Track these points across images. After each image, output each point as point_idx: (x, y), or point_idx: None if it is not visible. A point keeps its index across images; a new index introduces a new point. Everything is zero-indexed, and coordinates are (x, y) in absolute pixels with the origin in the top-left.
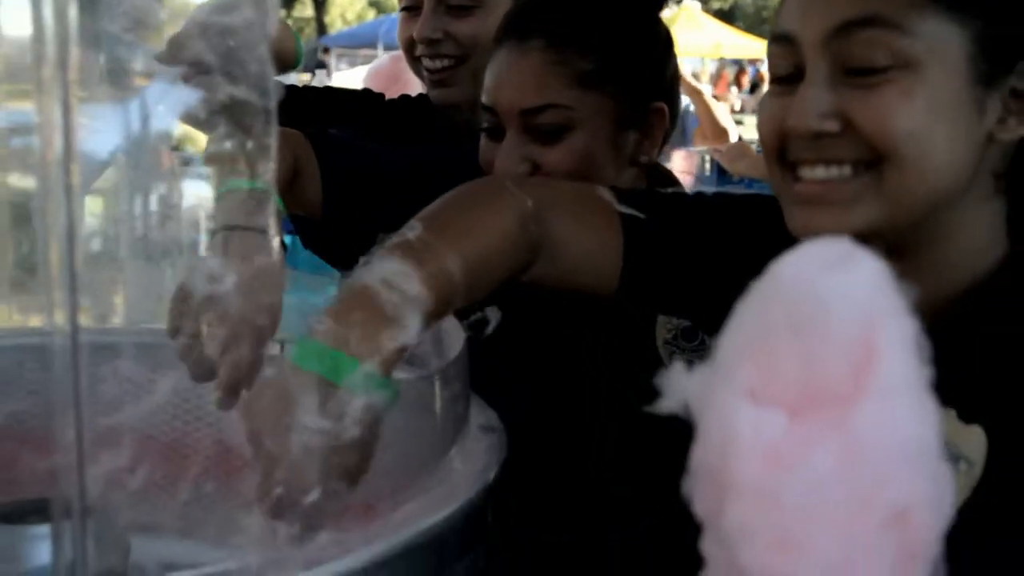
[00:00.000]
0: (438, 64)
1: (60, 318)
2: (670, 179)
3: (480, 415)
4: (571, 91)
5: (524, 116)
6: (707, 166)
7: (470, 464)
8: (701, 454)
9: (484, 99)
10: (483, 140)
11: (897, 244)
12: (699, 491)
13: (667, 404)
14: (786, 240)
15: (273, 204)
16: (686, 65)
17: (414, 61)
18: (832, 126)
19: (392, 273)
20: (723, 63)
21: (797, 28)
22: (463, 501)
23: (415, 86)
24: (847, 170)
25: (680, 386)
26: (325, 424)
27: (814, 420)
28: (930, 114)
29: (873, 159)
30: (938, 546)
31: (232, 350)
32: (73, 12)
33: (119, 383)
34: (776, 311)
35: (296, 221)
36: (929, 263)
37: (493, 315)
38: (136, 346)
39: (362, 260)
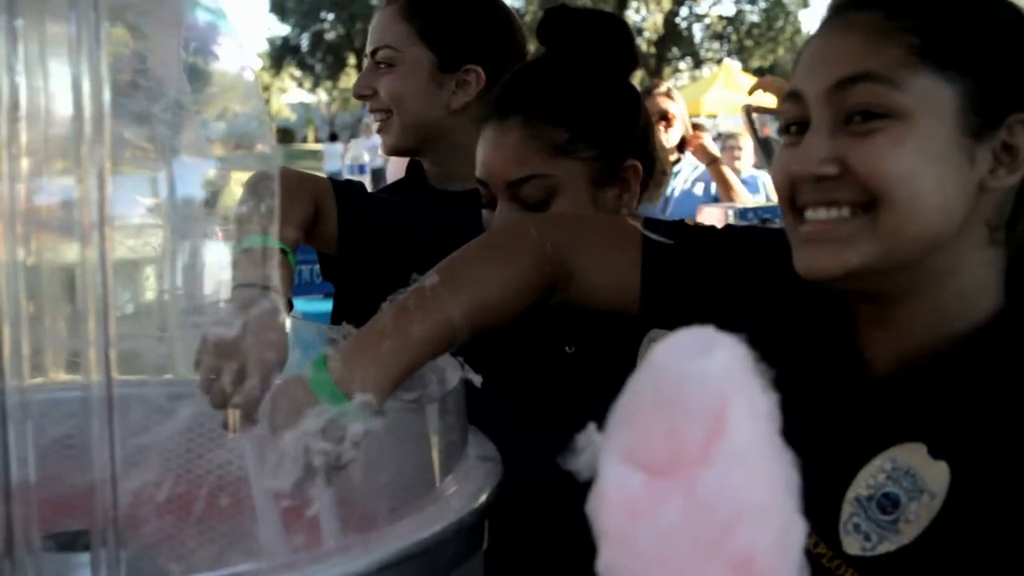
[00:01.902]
0: (376, 117)
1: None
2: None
3: (479, 446)
4: (549, 161)
5: (511, 188)
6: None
7: (466, 487)
8: (589, 504)
9: (477, 173)
10: (484, 211)
11: (892, 288)
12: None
13: (581, 461)
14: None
15: (276, 259)
16: (727, 123)
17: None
18: (831, 170)
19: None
20: (763, 119)
21: (804, 85)
22: (456, 518)
23: None
24: (846, 211)
25: (593, 444)
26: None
27: (667, 479)
28: (920, 160)
29: (869, 201)
30: None
31: (244, 382)
32: (107, 94)
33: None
34: (647, 387)
35: (318, 256)
36: (921, 308)
37: (476, 378)
38: (166, 396)
39: (388, 300)
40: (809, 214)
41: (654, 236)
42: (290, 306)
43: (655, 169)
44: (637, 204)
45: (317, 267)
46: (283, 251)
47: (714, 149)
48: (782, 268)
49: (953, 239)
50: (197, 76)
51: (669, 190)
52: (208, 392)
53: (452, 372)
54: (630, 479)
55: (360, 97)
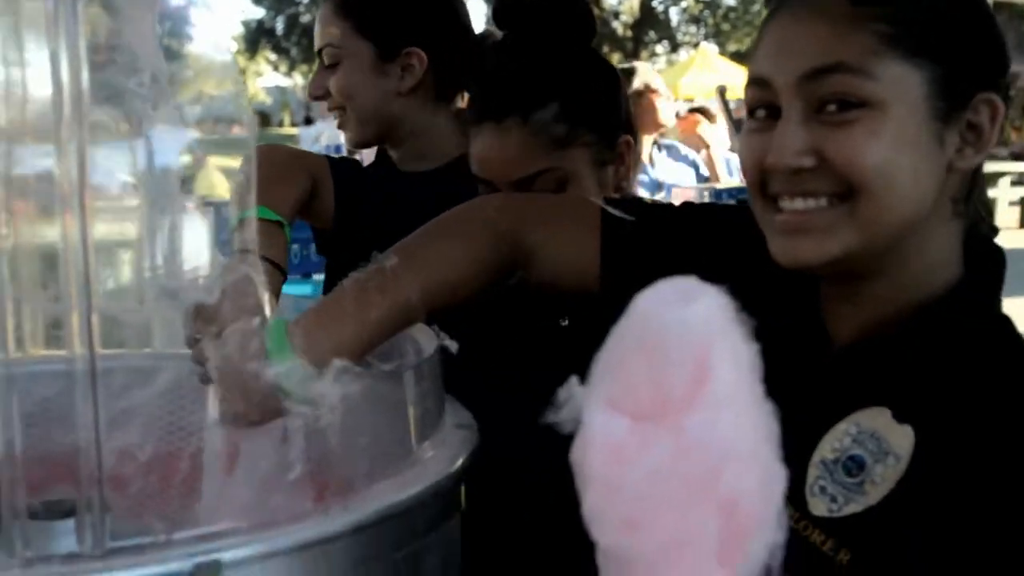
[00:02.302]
0: (335, 115)
1: (78, 344)
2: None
3: (455, 415)
4: (554, 153)
5: (519, 185)
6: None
7: (442, 453)
8: (573, 453)
9: (478, 173)
10: None
11: (863, 268)
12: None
13: (565, 413)
14: (758, 247)
15: (254, 227)
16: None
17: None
18: (808, 162)
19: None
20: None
21: (772, 72)
22: (432, 482)
23: None
24: (823, 201)
25: (575, 397)
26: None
27: (653, 424)
28: (895, 149)
29: (846, 191)
30: (770, 532)
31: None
32: (85, 71)
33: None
34: (631, 336)
35: (313, 231)
36: (892, 281)
37: (452, 344)
38: (147, 364)
39: (350, 275)
40: (785, 203)
41: (613, 213)
42: (284, 275)
43: (637, 140)
44: (634, 176)
45: (295, 247)
46: (279, 223)
47: (707, 136)
48: (741, 243)
49: (924, 219)
50: (173, 56)
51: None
52: (196, 360)
53: (427, 341)
54: (616, 425)
55: (315, 98)
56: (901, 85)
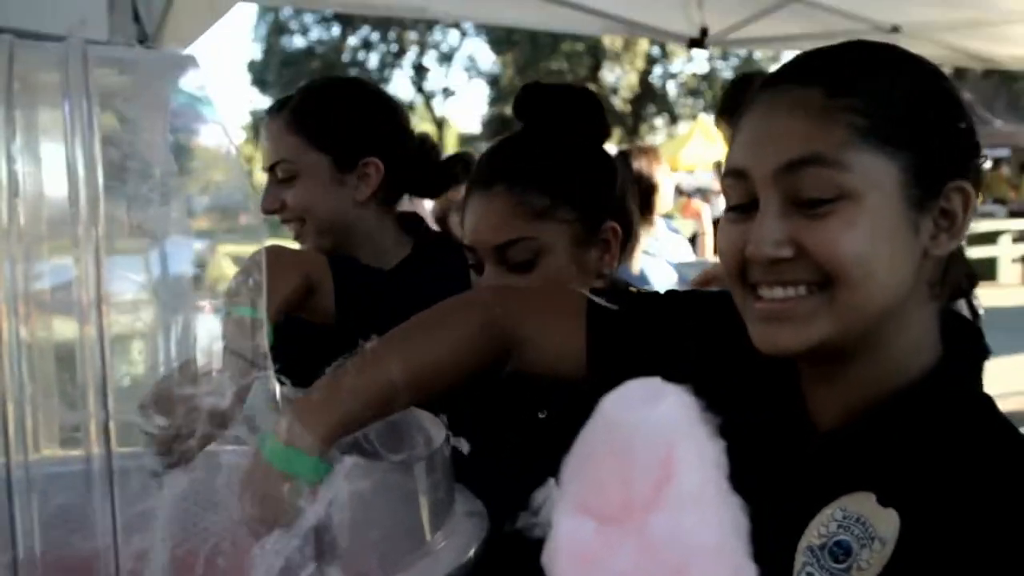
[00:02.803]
0: (290, 227)
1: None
2: (626, 290)
3: (466, 503)
4: (534, 224)
5: (497, 251)
6: None
7: (454, 542)
8: (543, 556)
9: (465, 240)
10: (472, 275)
11: (843, 352)
12: None
13: (541, 517)
14: (739, 334)
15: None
16: (705, 177)
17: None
18: (786, 252)
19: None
20: None
21: (749, 164)
22: (445, 572)
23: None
24: (802, 290)
25: (550, 499)
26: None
27: (619, 526)
28: (872, 239)
29: (824, 280)
30: None
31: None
32: (100, 176)
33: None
34: (598, 438)
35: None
36: (872, 365)
37: (463, 445)
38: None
39: (330, 368)
40: (764, 292)
41: (598, 301)
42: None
43: (632, 231)
44: (618, 265)
45: None
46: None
47: (705, 219)
48: (724, 330)
49: (902, 303)
50: (181, 154)
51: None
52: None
53: (437, 432)
54: (582, 528)
55: (270, 212)
56: (876, 175)
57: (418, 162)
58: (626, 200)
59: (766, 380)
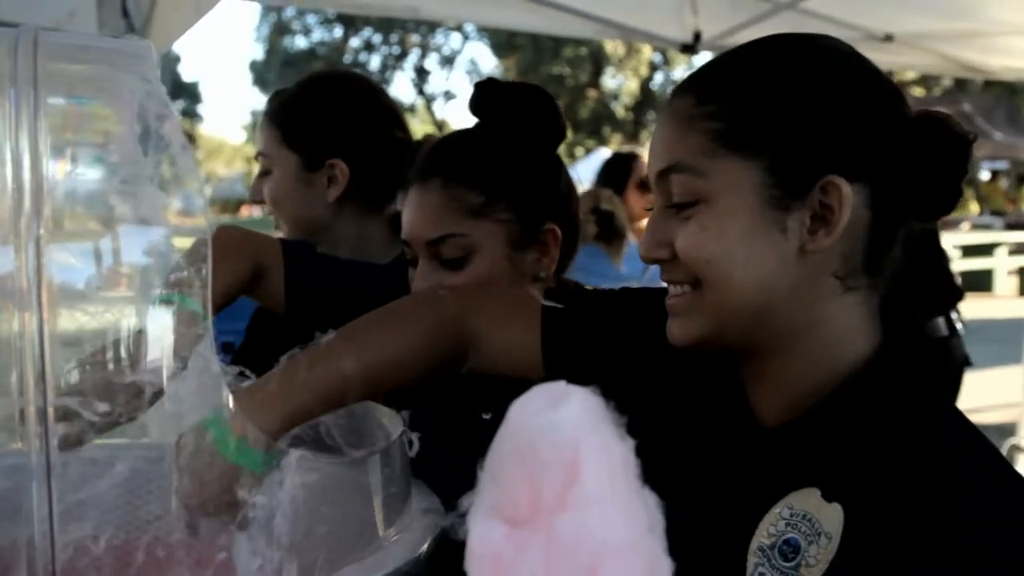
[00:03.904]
0: (273, 219)
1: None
2: (579, 289)
3: (423, 500)
4: (467, 221)
5: (429, 246)
6: None
7: (406, 538)
8: (465, 562)
9: (402, 234)
10: (410, 271)
11: (754, 349)
12: None
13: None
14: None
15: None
16: None
17: None
18: (663, 254)
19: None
20: None
21: (648, 171)
22: (394, 567)
23: None
24: (686, 288)
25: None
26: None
27: (529, 529)
28: (725, 242)
29: (695, 280)
30: None
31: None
32: (50, 167)
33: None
34: (506, 444)
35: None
36: (796, 359)
37: (414, 438)
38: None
39: (282, 359)
40: (669, 288)
41: (551, 303)
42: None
43: (577, 234)
44: (556, 269)
45: None
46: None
47: None
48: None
49: (792, 299)
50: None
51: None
52: None
53: (396, 428)
54: (494, 532)
55: (254, 202)
56: (731, 179)
57: (394, 166)
58: (570, 202)
59: (711, 379)
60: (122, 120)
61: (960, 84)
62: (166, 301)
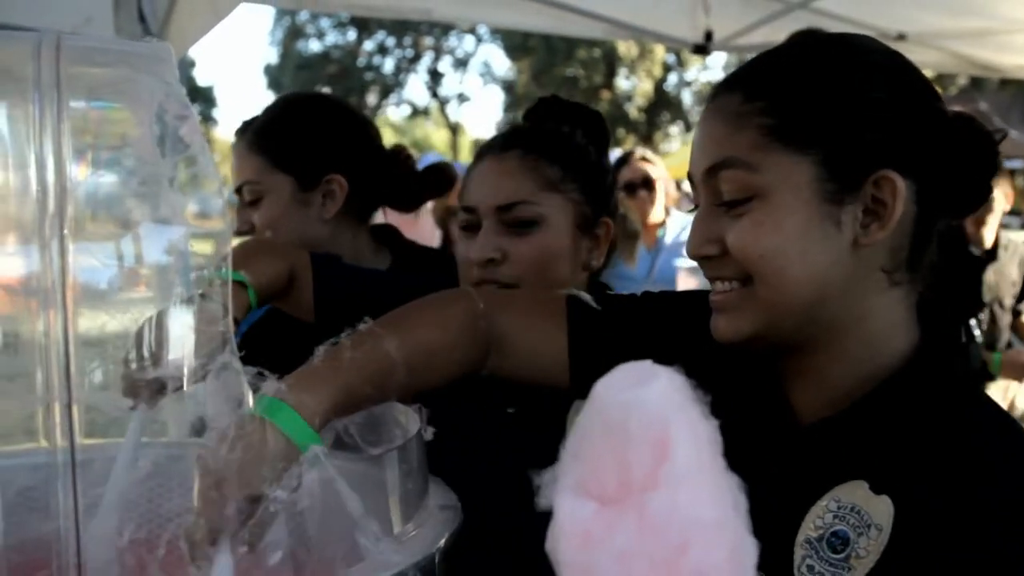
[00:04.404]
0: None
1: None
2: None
3: (440, 496)
4: (540, 193)
5: (499, 211)
6: None
7: (423, 533)
8: (547, 541)
9: (463, 201)
10: (460, 237)
11: (799, 344)
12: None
13: (542, 501)
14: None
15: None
16: None
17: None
18: (712, 250)
19: (337, 354)
20: None
21: (691, 168)
22: (411, 562)
23: (425, 218)
24: (731, 285)
25: (548, 484)
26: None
27: (618, 506)
28: (781, 237)
29: (746, 277)
30: None
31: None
32: (70, 170)
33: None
34: (593, 420)
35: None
36: (840, 354)
37: (430, 432)
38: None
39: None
40: (713, 285)
41: (582, 297)
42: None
43: (618, 236)
44: (603, 265)
45: None
46: (243, 284)
47: None
48: (702, 328)
49: (843, 293)
50: (167, 151)
51: (659, 244)
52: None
53: (413, 424)
54: (583, 509)
55: (242, 234)
56: (785, 174)
57: (386, 175)
58: (618, 206)
59: (749, 377)
60: (141, 122)
61: (976, 83)
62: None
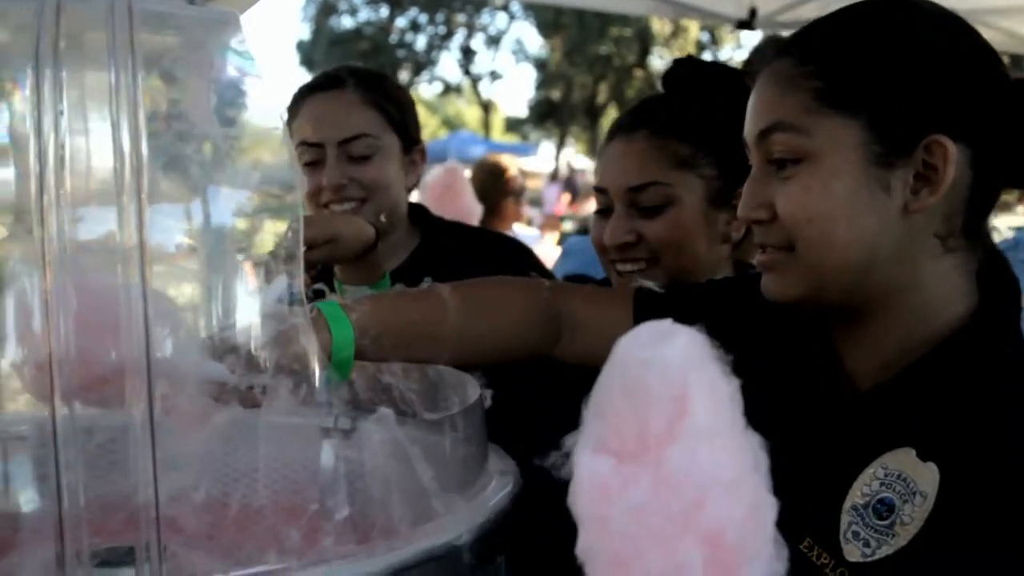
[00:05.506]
0: (344, 206)
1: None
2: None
3: (499, 463)
4: (671, 172)
5: (630, 193)
6: None
7: (485, 496)
8: (569, 496)
9: (596, 182)
10: (594, 220)
11: (852, 309)
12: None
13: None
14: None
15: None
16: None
17: (323, 207)
18: (763, 214)
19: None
20: None
21: (745, 133)
22: (472, 525)
23: (468, 195)
24: (780, 253)
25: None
26: None
27: (636, 462)
28: (829, 201)
29: (790, 243)
30: (765, 562)
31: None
32: (144, 141)
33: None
34: (614, 378)
35: None
36: (895, 320)
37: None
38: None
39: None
40: (761, 249)
41: (644, 292)
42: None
43: None
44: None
45: None
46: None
47: None
48: (761, 304)
49: (894, 259)
50: (228, 123)
51: None
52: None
53: (472, 391)
54: (601, 465)
55: (338, 188)
56: (834, 137)
57: None
58: None
59: (803, 344)
60: (209, 88)
61: (1016, 60)
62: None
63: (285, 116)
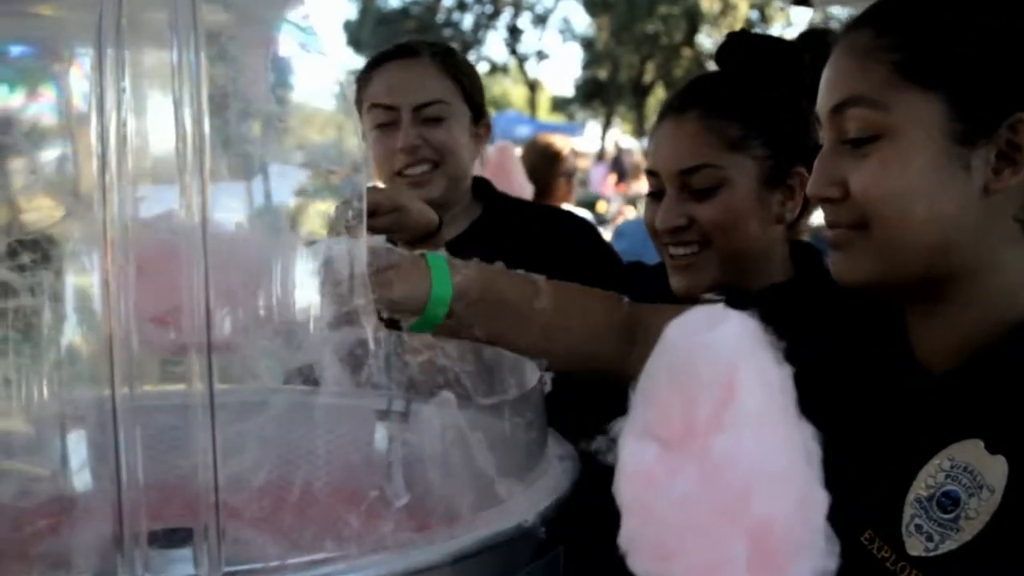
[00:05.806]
0: (418, 168)
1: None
2: (810, 252)
3: (558, 447)
4: (722, 154)
5: (682, 176)
6: None
7: (545, 482)
8: (614, 482)
9: (648, 165)
10: (647, 202)
11: (926, 291)
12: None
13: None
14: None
15: None
16: None
17: (396, 174)
18: (835, 192)
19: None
20: None
21: (818, 107)
22: (533, 512)
23: (519, 174)
24: (850, 233)
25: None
26: None
27: (682, 449)
28: (907, 179)
29: (863, 222)
30: (815, 557)
31: None
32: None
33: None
34: (662, 364)
35: None
36: (970, 304)
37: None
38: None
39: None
40: (830, 229)
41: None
42: None
43: None
44: (801, 215)
45: None
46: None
47: None
48: (836, 293)
49: (972, 241)
50: (282, 102)
51: None
52: None
53: (532, 375)
54: (646, 452)
55: (412, 149)
56: (914, 113)
57: None
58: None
59: (875, 328)
60: (274, 65)
61: None
62: None
63: (354, 87)
